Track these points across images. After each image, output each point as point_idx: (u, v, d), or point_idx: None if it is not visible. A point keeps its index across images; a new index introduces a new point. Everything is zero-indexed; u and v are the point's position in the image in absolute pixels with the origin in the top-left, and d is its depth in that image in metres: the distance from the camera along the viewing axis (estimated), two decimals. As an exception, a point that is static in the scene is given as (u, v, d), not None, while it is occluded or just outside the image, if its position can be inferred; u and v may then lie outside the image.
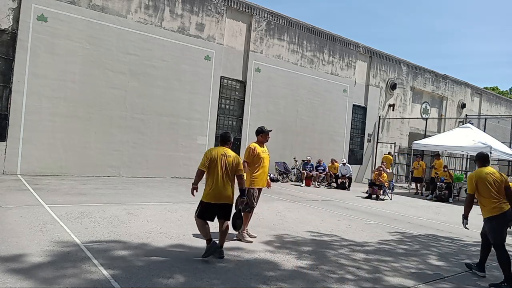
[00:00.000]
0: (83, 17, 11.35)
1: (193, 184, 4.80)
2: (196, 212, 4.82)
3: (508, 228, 4.82)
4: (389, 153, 18.75)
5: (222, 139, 5.09)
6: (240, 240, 5.69)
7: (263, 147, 5.99)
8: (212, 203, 4.73)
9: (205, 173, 4.80)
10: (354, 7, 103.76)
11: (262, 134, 5.97)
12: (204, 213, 4.75)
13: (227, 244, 5.45)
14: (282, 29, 16.08)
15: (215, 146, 14.22)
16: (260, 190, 6.01)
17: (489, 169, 5.05)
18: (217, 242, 4.81)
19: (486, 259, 5.05)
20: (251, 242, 5.65)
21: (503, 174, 5.05)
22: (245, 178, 5.39)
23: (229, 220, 4.94)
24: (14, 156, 10.41)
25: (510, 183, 4.90)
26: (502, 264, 4.69)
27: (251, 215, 5.93)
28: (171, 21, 13.05)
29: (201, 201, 4.81)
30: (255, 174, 5.83)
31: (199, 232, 5.94)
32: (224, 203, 4.80)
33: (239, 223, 5.26)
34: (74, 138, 11.32)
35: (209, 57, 13.94)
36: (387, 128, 20.76)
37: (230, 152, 4.94)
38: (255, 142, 6.00)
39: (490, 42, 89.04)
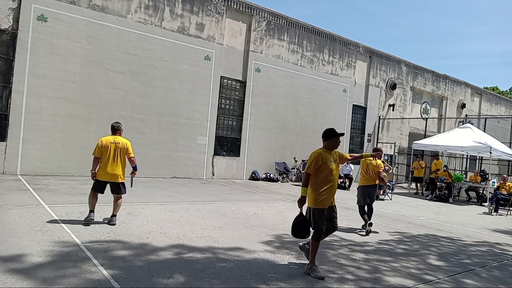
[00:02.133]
0: (83, 17, 11.35)
1: (91, 170, 5.99)
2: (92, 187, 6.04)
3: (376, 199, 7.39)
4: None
5: (112, 129, 6.19)
6: (309, 274, 4.44)
7: (332, 154, 4.79)
8: (101, 180, 5.98)
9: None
10: (354, 7, 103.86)
11: (334, 139, 4.80)
12: (96, 187, 6.00)
13: (227, 244, 5.48)
14: (282, 29, 16.08)
15: (214, 146, 14.36)
16: (331, 208, 4.65)
17: (369, 158, 7.01)
18: (94, 214, 5.98)
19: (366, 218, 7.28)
20: (323, 278, 4.40)
21: (373, 163, 7.23)
22: (305, 194, 4.54)
23: (117, 194, 6.04)
24: (14, 156, 10.42)
25: (380, 168, 7.22)
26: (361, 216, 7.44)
27: (317, 242, 4.56)
28: (171, 21, 13.05)
29: (94, 178, 6.00)
30: (321, 191, 4.53)
31: (198, 232, 6.00)
32: (112, 181, 6.01)
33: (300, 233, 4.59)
34: (74, 138, 11.33)
35: (209, 57, 13.94)
36: (387, 128, 20.77)
37: (119, 139, 6.10)
38: (321, 148, 4.87)
39: (490, 42, 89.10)
